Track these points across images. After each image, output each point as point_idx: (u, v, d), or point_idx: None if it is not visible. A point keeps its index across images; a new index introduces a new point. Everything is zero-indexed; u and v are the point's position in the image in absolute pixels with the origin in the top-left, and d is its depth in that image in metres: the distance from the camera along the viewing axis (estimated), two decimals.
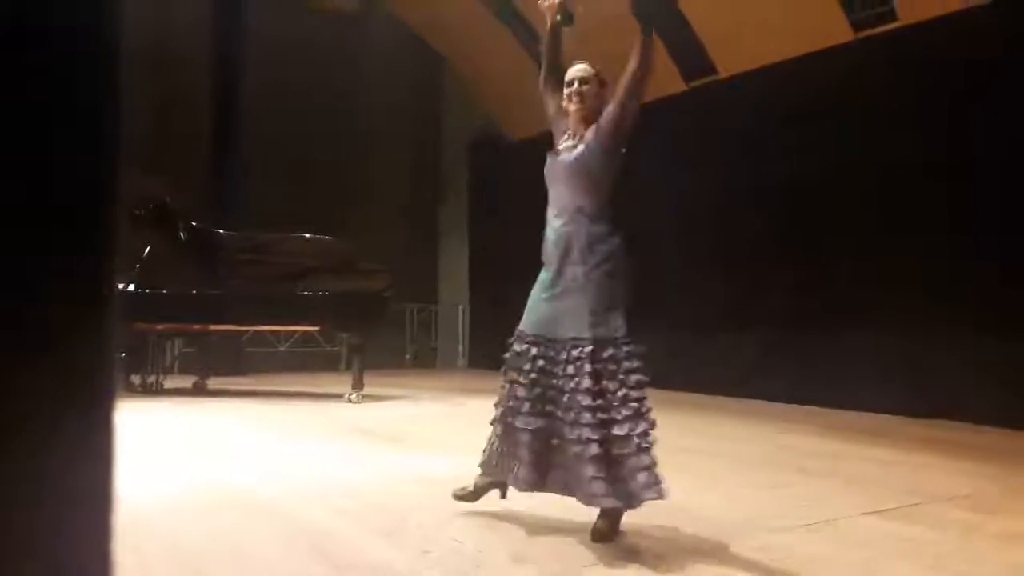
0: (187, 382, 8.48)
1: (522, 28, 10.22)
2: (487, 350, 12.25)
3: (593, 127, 2.95)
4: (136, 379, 8.13)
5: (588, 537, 2.77)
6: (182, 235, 8.07)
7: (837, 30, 7.47)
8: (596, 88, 3.01)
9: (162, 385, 8.22)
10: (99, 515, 0.53)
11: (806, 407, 7.14)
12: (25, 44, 0.52)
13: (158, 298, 7.69)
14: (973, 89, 6.40)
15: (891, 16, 7.11)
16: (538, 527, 2.95)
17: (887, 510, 3.31)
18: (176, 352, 9.57)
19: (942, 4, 6.59)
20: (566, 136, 3.08)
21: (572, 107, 3.01)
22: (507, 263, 11.89)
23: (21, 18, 0.51)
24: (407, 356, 13.00)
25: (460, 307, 12.97)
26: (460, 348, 13.05)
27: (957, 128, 6.54)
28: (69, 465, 0.51)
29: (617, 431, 2.68)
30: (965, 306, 6.38)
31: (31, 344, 0.51)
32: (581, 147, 2.93)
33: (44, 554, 0.51)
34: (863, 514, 3.24)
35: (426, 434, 5.50)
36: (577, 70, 3.02)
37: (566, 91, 3.02)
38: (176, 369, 9.28)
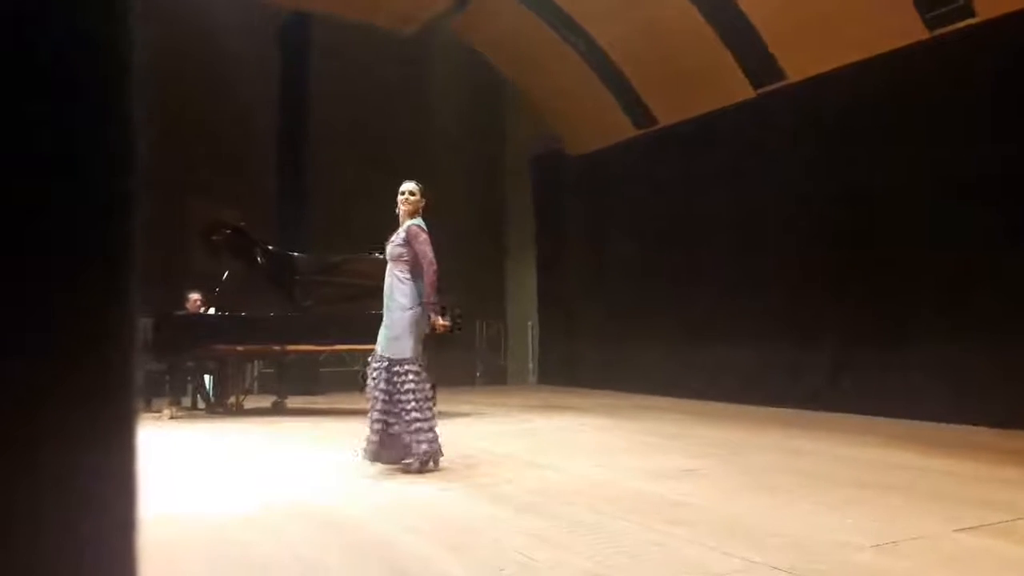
0: (266, 402, 8.71)
1: (583, 42, 10.22)
2: (557, 366, 12.19)
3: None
4: (217, 400, 8.39)
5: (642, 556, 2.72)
6: (259, 259, 8.31)
7: (911, 29, 7.22)
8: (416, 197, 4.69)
9: (243, 405, 8.45)
10: (124, 525, 0.54)
11: (870, 418, 6.96)
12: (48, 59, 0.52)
13: (237, 321, 7.94)
14: None
15: (968, 11, 6.84)
16: (612, 542, 2.91)
17: (981, 527, 3.14)
18: (255, 373, 9.84)
19: None
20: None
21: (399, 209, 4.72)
22: (574, 278, 11.84)
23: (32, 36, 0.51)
24: (477, 374, 13.04)
25: (529, 323, 12.97)
26: (530, 365, 13.03)
27: None
28: (93, 473, 0.52)
29: (394, 420, 4.45)
30: None
31: (57, 353, 0.52)
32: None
33: (72, 555, 0.52)
34: (955, 531, 3.08)
35: (497, 449, 5.51)
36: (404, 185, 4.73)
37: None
38: (255, 389, 9.54)
